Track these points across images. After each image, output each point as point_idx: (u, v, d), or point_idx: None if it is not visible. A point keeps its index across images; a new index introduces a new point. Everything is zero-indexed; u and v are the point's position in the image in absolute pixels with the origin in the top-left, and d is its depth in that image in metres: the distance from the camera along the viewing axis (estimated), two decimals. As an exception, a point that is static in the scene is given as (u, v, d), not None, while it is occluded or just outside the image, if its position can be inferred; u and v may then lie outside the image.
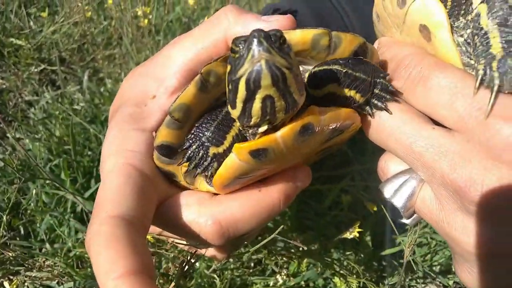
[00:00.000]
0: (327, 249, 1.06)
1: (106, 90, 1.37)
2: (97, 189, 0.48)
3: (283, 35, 0.41)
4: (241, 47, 0.40)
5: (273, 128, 0.45)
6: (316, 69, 0.51)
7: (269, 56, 0.39)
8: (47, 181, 1.05)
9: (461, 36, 0.49)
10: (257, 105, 0.42)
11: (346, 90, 0.50)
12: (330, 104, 0.49)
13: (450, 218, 0.47)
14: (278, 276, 1.01)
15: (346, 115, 0.49)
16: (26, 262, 0.96)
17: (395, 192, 0.53)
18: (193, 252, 0.65)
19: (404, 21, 0.52)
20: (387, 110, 0.50)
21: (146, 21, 1.38)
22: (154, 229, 0.59)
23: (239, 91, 0.42)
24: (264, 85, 0.40)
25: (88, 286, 0.91)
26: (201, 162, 0.51)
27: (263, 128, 0.45)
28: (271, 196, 0.53)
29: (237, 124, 0.50)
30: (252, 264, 1.05)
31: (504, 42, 0.43)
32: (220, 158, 0.51)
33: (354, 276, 0.96)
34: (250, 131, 0.48)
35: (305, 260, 1.02)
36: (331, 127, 0.48)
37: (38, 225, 1.04)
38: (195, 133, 0.51)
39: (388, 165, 0.56)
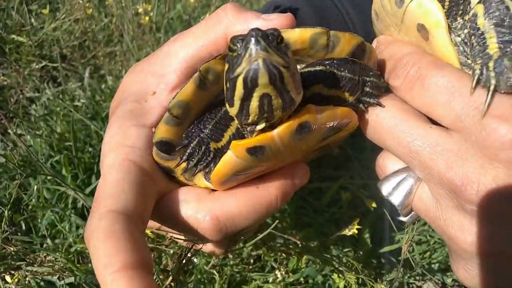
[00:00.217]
0: (326, 246, 1.06)
1: (107, 87, 1.37)
2: (97, 185, 0.48)
3: (281, 34, 0.42)
4: (239, 46, 0.41)
5: (271, 126, 0.46)
6: (301, 70, 0.52)
7: (266, 55, 0.39)
8: (48, 177, 1.06)
9: (459, 36, 0.49)
10: (254, 103, 0.43)
11: (332, 90, 0.51)
12: (328, 103, 0.49)
13: (447, 216, 0.48)
14: (277, 272, 1.01)
15: (343, 113, 0.49)
16: (28, 257, 0.97)
17: (393, 190, 0.54)
18: (190, 246, 0.66)
19: (402, 20, 0.53)
20: (380, 104, 0.51)
21: (147, 18, 1.38)
22: (153, 224, 0.59)
23: (237, 89, 0.42)
24: (262, 84, 0.40)
25: (89, 281, 0.92)
26: (204, 157, 0.52)
27: (261, 126, 0.46)
28: (268, 193, 0.54)
29: (235, 123, 0.51)
30: (252, 260, 1.05)
31: (500, 42, 0.43)
32: (220, 154, 0.51)
33: (353, 272, 0.97)
34: (248, 128, 0.49)
35: (304, 257, 1.03)
36: (328, 126, 0.48)
37: (39, 220, 1.05)
38: (193, 130, 0.52)
39: (386, 163, 0.56)
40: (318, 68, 0.50)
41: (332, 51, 0.50)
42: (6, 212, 0.92)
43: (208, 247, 0.67)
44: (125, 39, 1.43)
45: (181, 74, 0.55)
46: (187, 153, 0.52)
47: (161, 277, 0.83)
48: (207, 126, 0.51)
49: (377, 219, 1.10)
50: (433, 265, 1.11)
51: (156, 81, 0.56)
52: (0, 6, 1.63)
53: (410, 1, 0.50)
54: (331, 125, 0.49)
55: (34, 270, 0.95)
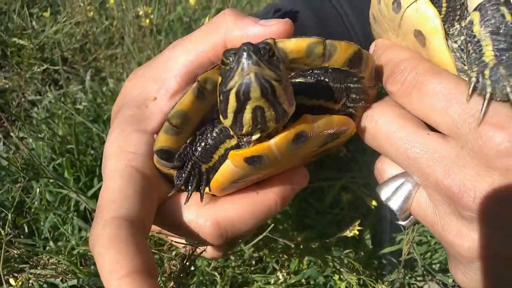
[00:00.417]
0: (327, 247, 1.07)
1: (108, 90, 1.37)
2: (99, 187, 0.49)
3: (272, 48, 0.42)
4: (231, 60, 0.41)
5: (267, 136, 0.46)
6: None
7: (258, 69, 0.40)
8: (51, 180, 1.06)
9: (455, 42, 0.49)
10: (247, 115, 0.43)
11: (313, 100, 0.52)
12: (320, 112, 0.50)
13: (445, 222, 0.48)
14: (279, 274, 1.02)
15: (339, 121, 0.50)
16: (31, 259, 0.98)
17: (391, 195, 0.54)
18: (192, 250, 0.66)
19: (400, 26, 0.53)
20: (364, 101, 0.53)
21: (147, 21, 1.38)
22: (153, 228, 0.60)
23: (230, 102, 0.43)
24: (254, 97, 0.41)
25: (92, 283, 0.93)
26: (200, 180, 0.53)
27: (256, 136, 0.46)
28: (268, 198, 0.54)
29: (224, 145, 0.52)
30: (253, 262, 1.06)
31: (496, 50, 0.43)
32: (213, 171, 0.53)
33: (354, 273, 0.97)
34: (245, 139, 0.49)
35: (305, 258, 1.04)
36: (325, 134, 0.49)
37: (42, 223, 1.06)
38: (185, 151, 0.53)
39: (384, 168, 0.56)
40: (297, 80, 0.51)
41: (329, 59, 0.51)
42: (9, 215, 0.92)
43: (207, 251, 0.67)
44: (126, 41, 1.43)
45: (181, 80, 0.56)
46: (183, 178, 0.53)
47: (163, 279, 0.84)
48: (197, 148, 0.52)
49: (378, 220, 1.11)
50: (434, 266, 1.11)
51: (156, 86, 0.56)
52: (2, 9, 1.63)
53: (407, 7, 0.50)
54: (327, 133, 0.49)
55: (37, 272, 0.95)
